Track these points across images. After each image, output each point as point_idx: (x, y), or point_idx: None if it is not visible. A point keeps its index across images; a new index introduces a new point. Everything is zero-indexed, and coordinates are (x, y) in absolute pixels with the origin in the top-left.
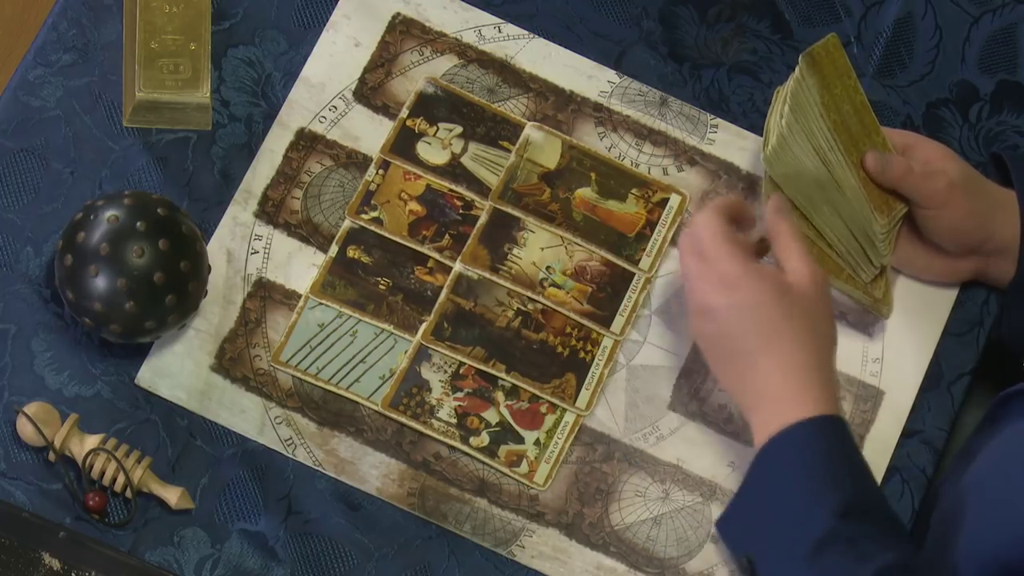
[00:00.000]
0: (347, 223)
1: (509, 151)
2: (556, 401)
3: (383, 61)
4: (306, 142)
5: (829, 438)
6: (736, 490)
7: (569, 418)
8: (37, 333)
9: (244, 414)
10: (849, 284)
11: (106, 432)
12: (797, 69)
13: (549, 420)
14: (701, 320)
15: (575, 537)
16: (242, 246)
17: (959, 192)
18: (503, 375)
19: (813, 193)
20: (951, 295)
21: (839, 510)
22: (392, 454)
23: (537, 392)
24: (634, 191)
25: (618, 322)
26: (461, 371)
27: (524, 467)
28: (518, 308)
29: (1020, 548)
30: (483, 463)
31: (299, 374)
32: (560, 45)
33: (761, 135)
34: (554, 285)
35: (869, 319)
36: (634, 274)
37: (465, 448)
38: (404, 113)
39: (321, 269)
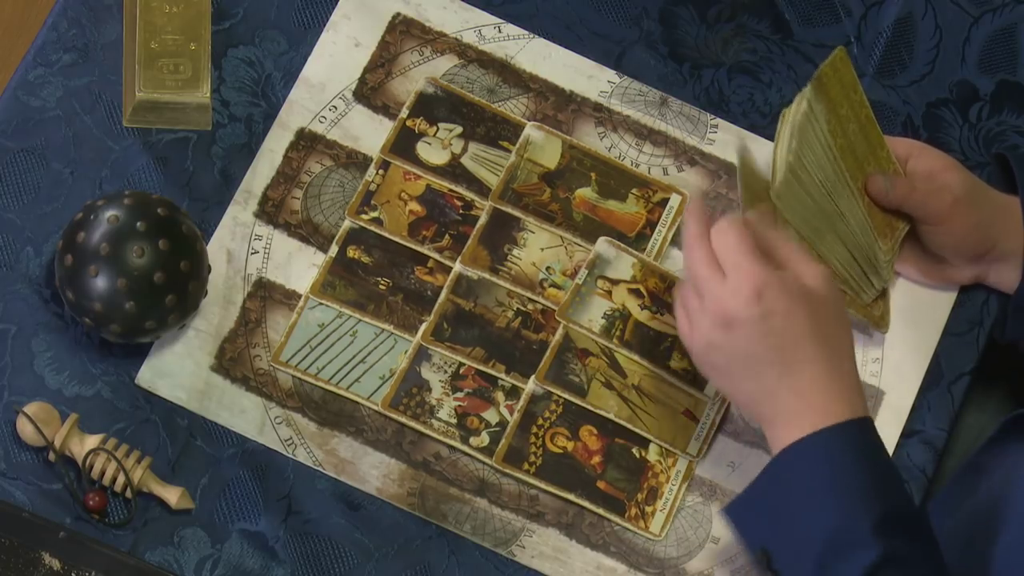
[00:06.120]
0: (347, 223)
1: (509, 151)
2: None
3: (383, 61)
4: (306, 142)
5: (856, 442)
6: (752, 481)
7: None
8: (37, 333)
9: (244, 414)
10: (851, 306)
11: (106, 432)
12: (806, 101)
13: None
14: (720, 333)
15: (575, 537)
16: (242, 246)
17: (963, 207)
18: (503, 375)
19: (818, 222)
20: (951, 295)
21: (866, 518)
22: (392, 454)
23: None
24: (634, 191)
25: None
26: (461, 371)
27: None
28: (518, 308)
29: None
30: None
31: (299, 374)
32: (560, 45)
33: (761, 135)
34: (554, 285)
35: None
36: None
37: (465, 448)
38: (404, 113)
39: (321, 269)
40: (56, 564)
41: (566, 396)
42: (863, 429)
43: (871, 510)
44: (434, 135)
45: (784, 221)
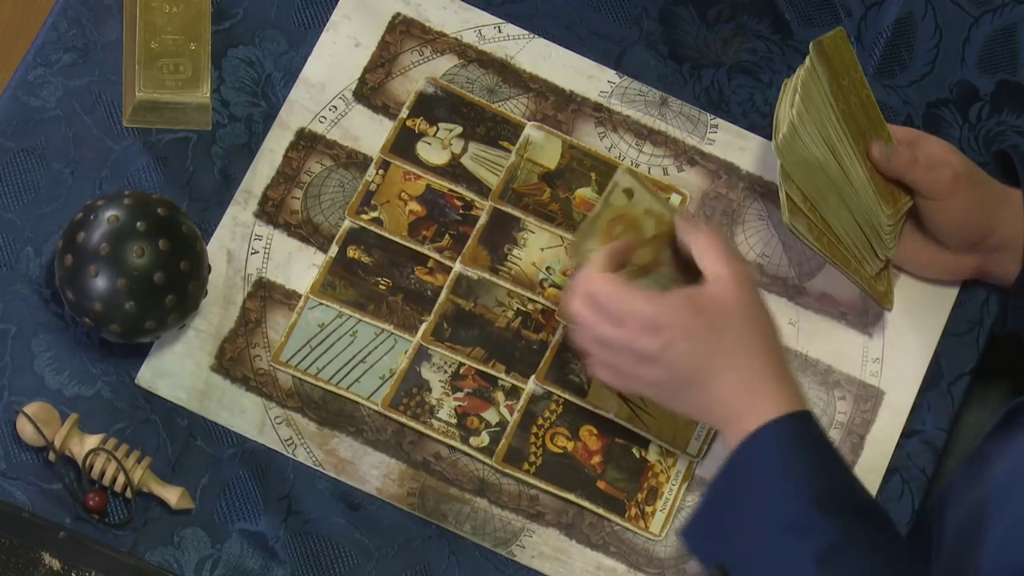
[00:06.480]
0: (347, 223)
1: (509, 151)
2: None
3: (383, 61)
4: (306, 142)
5: (793, 435)
6: (700, 500)
7: None
8: (37, 333)
9: (244, 414)
10: (856, 278)
11: (106, 432)
12: (807, 59)
13: None
14: (643, 369)
15: (575, 537)
16: (242, 246)
17: (964, 184)
18: (503, 375)
19: (821, 183)
20: (951, 294)
21: (809, 506)
22: (392, 454)
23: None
24: None
25: None
26: (461, 371)
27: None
28: (518, 308)
29: None
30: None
31: (299, 374)
32: (560, 45)
33: (761, 135)
34: (554, 285)
35: (869, 319)
36: None
37: (465, 448)
38: (404, 113)
39: (321, 269)
40: (56, 564)
41: (566, 396)
42: (794, 421)
43: (812, 495)
44: (434, 135)
45: (789, 179)
